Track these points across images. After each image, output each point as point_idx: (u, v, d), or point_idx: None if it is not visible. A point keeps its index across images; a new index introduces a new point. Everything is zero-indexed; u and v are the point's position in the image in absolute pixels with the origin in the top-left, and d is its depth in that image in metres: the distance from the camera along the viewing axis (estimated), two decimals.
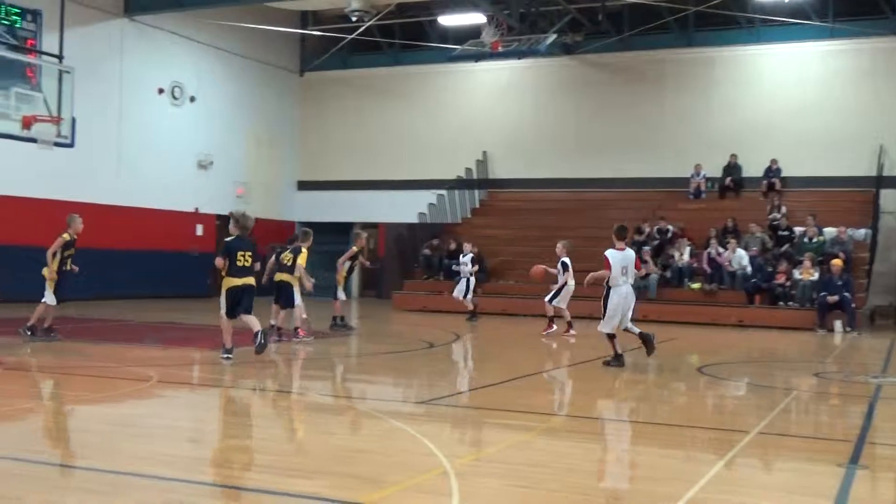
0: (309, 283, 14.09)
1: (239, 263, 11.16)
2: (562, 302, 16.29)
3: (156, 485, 5.45)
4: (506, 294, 24.16)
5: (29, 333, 13.24)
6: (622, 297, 11.88)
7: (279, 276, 14.12)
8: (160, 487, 5.40)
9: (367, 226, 31.26)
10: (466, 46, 24.41)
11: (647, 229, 24.29)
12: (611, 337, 12.02)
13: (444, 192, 28.23)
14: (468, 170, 28.83)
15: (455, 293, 20.82)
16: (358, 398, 9.58)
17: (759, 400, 10.06)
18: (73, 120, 17.12)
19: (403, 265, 27.07)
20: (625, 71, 27.98)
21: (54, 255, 13.27)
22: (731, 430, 7.90)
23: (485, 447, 7.09)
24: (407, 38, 29.82)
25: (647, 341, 12.12)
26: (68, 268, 13.41)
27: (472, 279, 20.72)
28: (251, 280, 11.39)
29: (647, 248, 23.18)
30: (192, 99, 27.00)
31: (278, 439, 7.26)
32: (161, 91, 25.96)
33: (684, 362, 14.27)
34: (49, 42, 20.08)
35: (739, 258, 22.06)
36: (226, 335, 11.35)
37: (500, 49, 23.87)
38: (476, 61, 26.15)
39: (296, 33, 30.30)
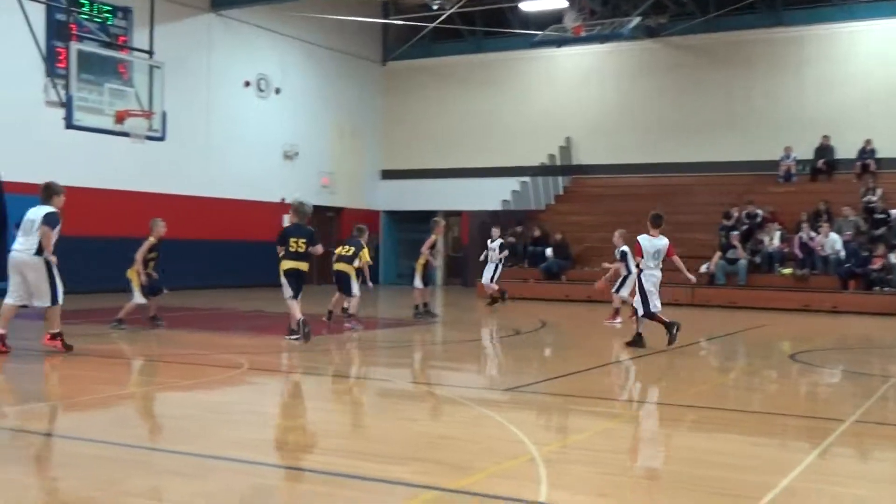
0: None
1: (292, 249, 11.93)
2: (625, 290, 15.88)
3: (245, 469, 5.55)
4: (591, 281, 23.89)
5: (121, 326, 13.60)
6: (655, 280, 12.30)
7: (338, 266, 14.38)
8: (249, 471, 5.51)
9: (450, 214, 31.45)
10: (548, 32, 24.21)
11: (736, 214, 23.79)
12: (653, 316, 12.38)
13: (527, 178, 28.12)
14: (551, 156, 28.64)
15: (483, 279, 20.67)
16: (443, 385, 9.61)
17: (855, 388, 9.78)
18: (164, 114, 17.50)
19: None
20: (711, 53, 27.43)
21: (143, 258, 13.60)
22: (825, 418, 7.71)
23: (572, 434, 7.04)
24: (488, 24, 29.72)
25: (653, 335, 12.51)
26: (149, 270, 13.71)
27: (500, 265, 20.57)
28: (301, 265, 12.07)
29: (735, 232, 22.73)
30: (278, 91, 27.39)
31: (365, 426, 7.33)
32: (247, 84, 26.40)
33: (776, 349, 13.96)
34: (139, 38, 20.57)
35: (832, 242, 21.48)
36: (294, 315, 11.95)
37: (583, 34, 23.61)
38: (558, 46, 25.95)
39: (378, 23, 30.47)
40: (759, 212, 23.69)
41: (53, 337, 10.76)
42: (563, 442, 6.61)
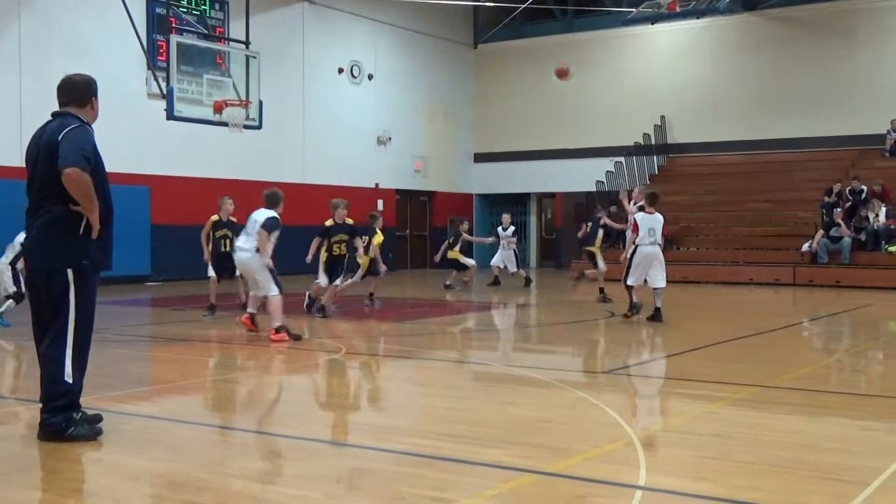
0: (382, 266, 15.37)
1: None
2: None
3: (345, 451, 5.66)
4: (688, 261, 23.59)
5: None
6: (644, 255, 13.00)
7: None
8: (349, 454, 5.61)
9: (543, 196, 31.32)
10: (642, 9, 23.85)
11: (837, 189, 23.02)
12: (629, 288, 13.17)
13: (621, 159, 27.76)
14: (646, 135, 28.21)
15: (494, 261, 20.72)
16: (540, 368, 9.59)
17: None
18: (260, 103, 17.82)
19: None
20: (811, 24, 26.58)
21: (207, 235, 14.05)
22: None
23: (671, 417, 6.97)
24: (580, 3, 29.40)
25: (655, 312, 13.15)
26: (224, 248, 13.98)
27: (516, 251, 20.83)
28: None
29: (837, 209, 22.03)
30: (370, 77, 27.62)
31: (462, 409, 7.38)
32: (340, 71, 26.68)
33: (882, 329, 13.54)
34: (236, 29, 20.97)
35: None
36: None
37: (678, 9, 23.20)
38: (652, 23, 25.53)
39: (469, 6, 30.41)
40: (864, 188, 22.91)
41: (278, 331, 10.97)
42: (662, 425, 6.55)
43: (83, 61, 19.51)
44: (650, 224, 12.98)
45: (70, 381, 5.65)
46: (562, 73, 16.54)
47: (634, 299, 13.23)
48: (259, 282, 11.11)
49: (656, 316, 13.00)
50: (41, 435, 5.66)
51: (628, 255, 13.17)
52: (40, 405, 5.72)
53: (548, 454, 5.47)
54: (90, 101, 5.90)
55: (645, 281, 13.09)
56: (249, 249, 11.01)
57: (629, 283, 13.16)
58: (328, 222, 13.83)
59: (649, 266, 13.01)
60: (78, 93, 5.85)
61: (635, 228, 12.99)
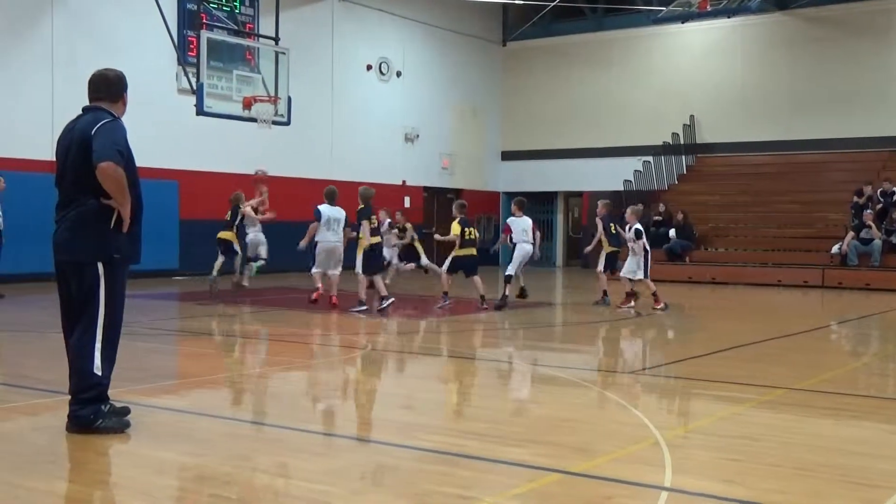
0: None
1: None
2: (641, 272, 15.26)
3: (371, 448, 5.67)
4: (716, 262, 23.45)
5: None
6: (524, 251, 15.06)
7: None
8: (374, 450, 5.63)
9: (571, 195, 31.22)
10: (672, 7, 23.71)
11: (868, 191, 22.77)
12: (508, 279, 14.94)
13: (650, 158, 27.62)
14: (675, 135, 28.05)
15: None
16: (564, 367, 9.57)
17: None
18: (289, 99, 17.90)
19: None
20: (844, 24, 26.31)
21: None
22: None
23: (696, 418, 6.93)
24: (610, 2, 29.29)
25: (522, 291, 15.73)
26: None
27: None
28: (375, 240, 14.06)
29: (868, 211, 21.79)
30: (399, 74, 27.65)
31: (487, 407, 7.38)
32: (369, 67, 26.73)
33: None
34: (265, 25, 21.08)
35: None
36: (362, 291, 14.02)
37: (709, 8, 23.03)
38: (683, 22, 25.38)
39: (498, 3, 30.37)
40: (895, 189, 22.66)
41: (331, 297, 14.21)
42: (688, 426, 6.51)
43: (114, 57, 19.62)
44: (522, 226, 15.07)
45: (99, 373, 5.70)
46: None
47: (507, 292, 14.91)
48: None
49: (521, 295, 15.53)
50: (70, 427, 5.72)
51: (512, 252, 15.21)
52: (69, 397, 5.78)
53: (572, 454, 5.46)
54: (121, 97, 5.96)
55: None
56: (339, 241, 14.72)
57: (510, 272, 15.06)
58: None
59: (525, 261, 15.24)
60: (110, 88, 5.91)
61: (507, 231, 15.22)
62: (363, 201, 13.92)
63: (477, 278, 14.83)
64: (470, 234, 14.66)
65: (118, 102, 5.93)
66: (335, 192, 14.75)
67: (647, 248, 14.98)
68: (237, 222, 16.66)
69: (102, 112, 5.79)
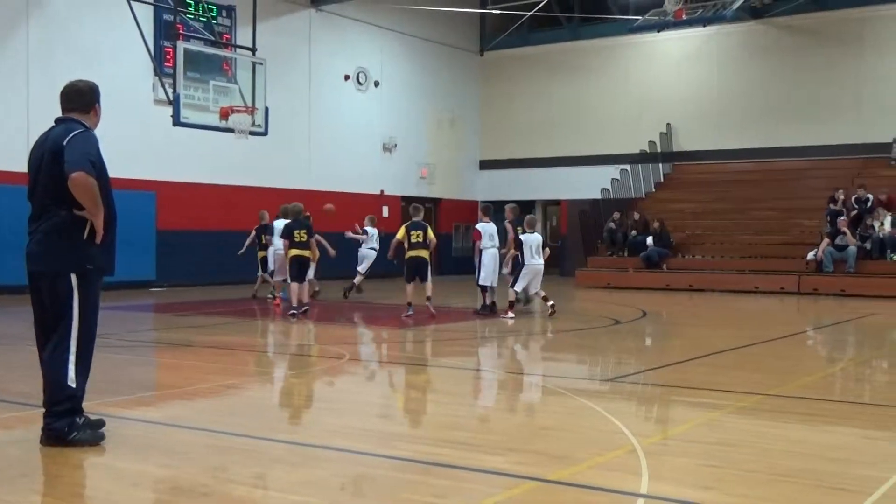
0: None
1: (296, 239, 14.63)
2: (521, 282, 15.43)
3: (348, 457, 5.65)
4: (693, 269, 23.58)
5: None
6: (492, 257, 15.24)
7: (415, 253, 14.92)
8: (353, 460, 5.61)
9: (549, 203, 31.31)
10: (648, 16, 23.88)
11: (841, 197, 22.96)
12: (484, 289, 15.28)
13: (627, 166, 27.76)
14: (652, 143, 28.21)
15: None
16: (544, 375, 9.59)
17: None
18: (266, 109, 17.87)
19: (587, 242, 26.84)
20: (818, 33, 26.57)
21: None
22: None
23: (674, 425, 6.95)
24: (586, 11, 29.45)
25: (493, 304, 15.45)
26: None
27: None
28: (304, 252, 14.65)
29: (842, 218, 21.98)
30: (377, 84, 27.67)
31: (465, 415, 7.37)
32: (347, 77, 26.74)
33: (887, 339, 13.50)
34: (242, 35, 21.04)
35: None
36: (294, 297, 14.52)
37: (684, 17, 23.20)
38: (658, 31, 25.55)
39: (475, 13, 30.48)
40: (870, 196, 22.87)
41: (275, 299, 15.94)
42: (665, 433, 6.53)
43: (91, 68, 19.56)
44: (490, 231, 15.45)
45: (73, 385, 5.66)
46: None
47: (487, 301, 15.33)
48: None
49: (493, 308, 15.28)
50: (44, 439, 5.66)
51: (478, 261, 15.35)
52: (43, 410, 5.73)
53: (550, 461, 5.47)
54: (93, 108, 5.93)
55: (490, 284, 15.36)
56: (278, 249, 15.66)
57: (487, 284, 15.34)
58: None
59: (496, 268, 15.39)
60: (82, 99, 5.89)
61: (477, 236, 15.47)
62: (293, 216, 14.99)
63: (428, 283, 14.80)
64: (417, 237, 14.65)
65: (90, 113, 5.90)
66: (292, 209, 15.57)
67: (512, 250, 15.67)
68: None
69: (74, 123, 5.77)
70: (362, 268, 18.65)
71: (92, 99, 5.93)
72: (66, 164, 5.51)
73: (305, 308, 14.76)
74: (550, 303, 14.88)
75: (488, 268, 15.25)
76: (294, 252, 14.62)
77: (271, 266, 17.30)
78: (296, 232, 14.69)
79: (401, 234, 14.78)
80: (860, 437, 6.38)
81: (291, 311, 14.42)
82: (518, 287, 14.89)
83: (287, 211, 15.43)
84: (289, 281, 14.87)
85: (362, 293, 18.66)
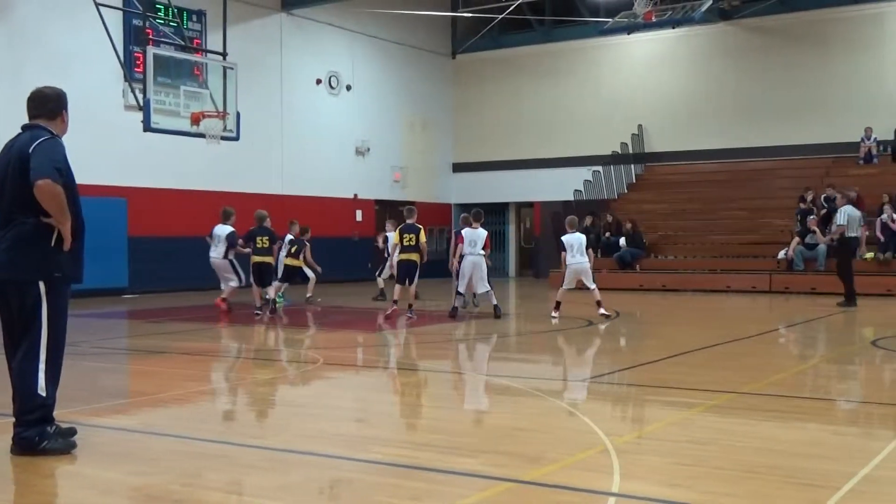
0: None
1: (258, 245, 15.27)
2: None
3: (324, 462, 5.65)
4: (665, 269, 23.72)
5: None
6: (469, 263, 15.10)
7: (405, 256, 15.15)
8: (328, 465, 5.61)
9: (522, 205, 31.40)
10: (618, 19, 23.97)
11: (810, 196, 23.19)
12: (459, 294, 15.43)
13: (599, 168, 27.90)
14: (623, 144, 28.37)
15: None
16: (517, 377, 9.63)
17: None
18: (238, 114, 17.79)
19: (560, 243, 26.86)
20: (786, 34, 26.84)
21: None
22: None
23: (646, 424, 7.01)
24: (557, 13, 29.57)
25: (495, 308, 15.35)
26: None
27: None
28: (265, 258, 15.38)
29: (812, 217, 22.21)
30: (349, 87, 27.63)
31: (439, 418, 7.39)
32: (318, 81, 26.68)
33: (857, 336, 13.66)
34: (213, 40, 20.95)
35: None
36: (256, 297, 15.40)
37: (654, 19, 23.32)
38: (629, 33, 25.66)
39: (447, 16, 30.52)
40: (838, 195, 23.07)
41: (223, 300, 15.81)
42: (637, 432, 6.59)
43: (59, 74, 19.41)
44: (473, 237, 15.19)
45: (43, 394, 5.62)
46: None
47: (456, 304, 15.40)
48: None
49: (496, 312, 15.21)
50: (14, 449, 5.62)
51: (459, 265, 15.30)
52: (13, 419, 5.69)
53: (523, 462, 5.50)
54: (60, 114, 5.90)
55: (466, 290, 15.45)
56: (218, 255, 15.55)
57: (460, 289, 15.32)
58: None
59: (472, 272, 15.15)
60: (48, 106, 5.85)
61: (460, 240, 15.32)
62: (257, 222, 15.59)
63: (412, 287, 14.99)
64: (409, 240, 14.75)
65: (57, 120, 5.87)
66: (227, 211, 16.14)
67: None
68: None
69: (41, 130, 5.73)
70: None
71: (59, 106, 5.89)
72: (32, 172, 5.47)
73: (258, 312, 15.26)
74: (601, 310, 14.87)
75: (464, 274, 15.16)
76: (256, 258, 15.34)
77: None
78: (258, 238, 15.28)
79: (395, 237, 15.22)
80: (830, 433, 6.46)
81: (256, 312, 15.17)
82: (563, 287, 15.02)
83: (227, 214, 15.98)
84: (252, 284, 15.57)
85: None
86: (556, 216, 27.33)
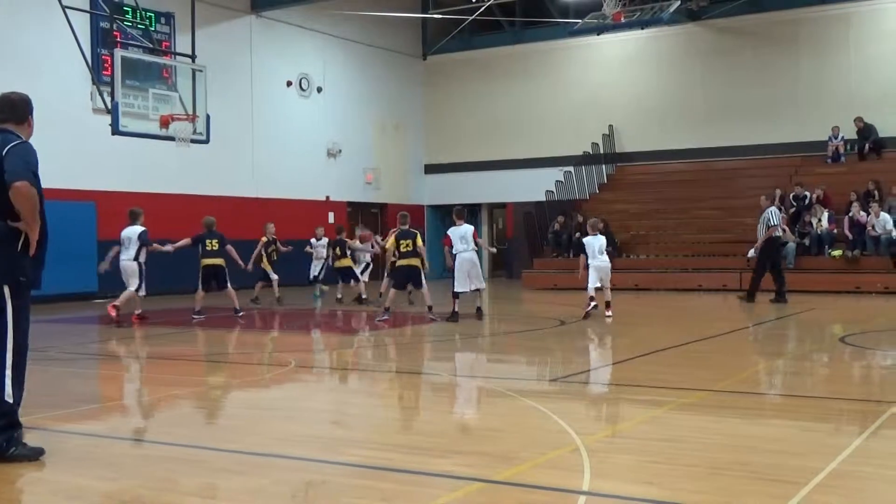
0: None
1: (209, 248, 15.57)
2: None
3: (296, 465, 5.64)
4: (637, 269, 23.84)
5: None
6: (464, 260, 14.77)
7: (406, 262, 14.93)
8: (300, 467, 5.59)
9: (494, 206, 31.46)
10: (588, 20, 24.09)
11: (779, 193, 23.41)
12: (456, 295, 14.75)
13: (570, 168, 28.00)
14: (595, 145, 28.49)
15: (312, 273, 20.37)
16: (490, 377, 9.65)
17: None
18: (208, 116, 17.69)
19: (532, 244, 27.02)
20: (754, 34, 27.07)
21: (259, 254, 18.91)
22: (876, 401, 7.60)
23: (617, 423, 7.04)
24: (527, 15, 29.66)
25: (478, 310, 15.25)
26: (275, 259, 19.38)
27: (325, 264, 20.17)
28: (215, 261, 15.64)
29: (782, 215, 22.36)
30: (319, 90, 27.57)
31: (412, 419, 7.39)
32: (289, 84, 26.60)
33: (826, 333, 13.80)
34: (182, 42, 20.82)
35: (884, 222, 21.10)
36: (197, 303, 15.56)
37: (623, 20, 23.45)
38: (598, 34, 25.79)
39: (417, 18, 30.53)
40: (807, 194, 23.35)
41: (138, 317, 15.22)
42: (608, 431, 6.62)
43: (27, 76, 19.24)
44: (461, 234, 14.82)
45: (10, 400, 5.57)
46: None
47: (456, 308, 14.70)
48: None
49: (478, 314, 15.06)
50: None
51: (454, 265, 14.93)
52: None
53: (495, 462, 5.51)
54: (27, 119, 5.90)
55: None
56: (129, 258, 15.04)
57: (456, 290, 14.77)
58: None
59: (469, 269, 14.75)
60: (15, 111, 5.85)
61: (448, 241, 14.94)
62: (206, 227, 15.80)
63: (424, 290, 14.93)
64: (406, 245, 14.74)
65: (24, 125, 5.86)
66: (135, 212, 15.65)
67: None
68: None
69: (10, 134, 5.72)
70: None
71: (25, 111, 5.89)
72: (9, 174, 5.47)
73: (240, 312, 15.45)
74: (607, 299, 15.15)
75: (460, 272, 14.78)
76: (207, 261, 15.58)
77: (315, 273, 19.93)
78: (207, 241, 15.55)
79: (390, 243, 15.13)
80: (798, 430, 6.52)
81: (194, 317, 15.33)
82: (590, 286, 15.02)
83: (136, 214, 15.54)
84: (199, 288, 15.75)
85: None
86: (528, 216, 27.46)
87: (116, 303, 14.94)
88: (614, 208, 26.68)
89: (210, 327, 14.60)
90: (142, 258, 15.19)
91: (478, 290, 15.04)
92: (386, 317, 14.64)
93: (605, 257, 15.20)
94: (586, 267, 15.25)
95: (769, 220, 17.81)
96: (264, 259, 19.32)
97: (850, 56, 25.82)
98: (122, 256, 15.29)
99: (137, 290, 15.15)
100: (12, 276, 5.62)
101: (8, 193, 5.49)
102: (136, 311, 15.30)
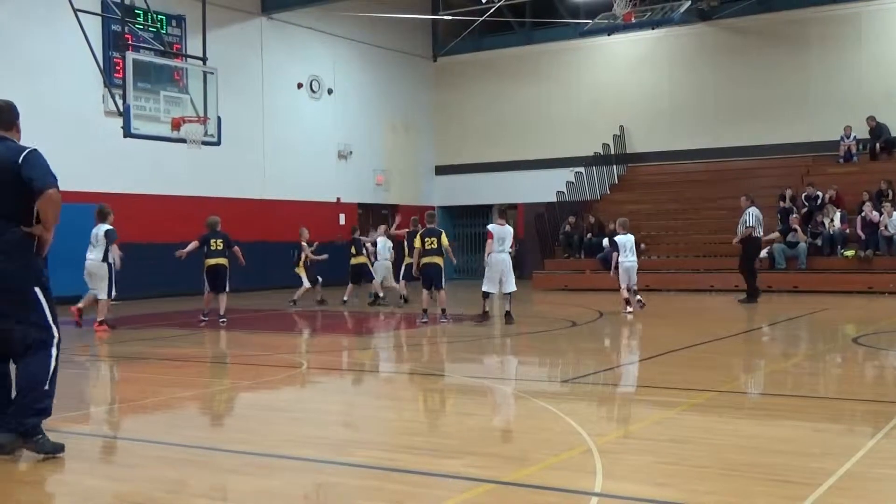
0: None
1: (212, 248, 15.22)
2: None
3: (307, 466, 5.65)
4: (649, 269, 23.74)
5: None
6: (496, 262, 14.45)
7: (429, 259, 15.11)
8: (311, 468, 5.60)
9: (505, 207, 31.38)
10: (598, 20, 24.02)
11: (790, 193, 23.33)
12: (485, 295, 14.66)
13: (581, 169, 27.96)
14: (605, 145, 28.44)
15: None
16: (501, 378, 9.64)
17: None
18: (219, 119, 17.72)
19: (543, 245, 26.98)
20: (765, 34, 26.98)
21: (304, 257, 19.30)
22: (890, 402, 7.57)
23: (629, 424, 7.02)
24: (537, 16, 29.62)
25: (506, 314, 14.70)
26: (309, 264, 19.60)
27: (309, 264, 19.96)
28: (219, 260, 15.27)
29: (794, 215, 22.34)
30: (330, 91, 27.60)
31: (423, 420, 7.39)
32: (300, 86, 26.63)
33: (839, 333, 13.73)
34: (193, 45, 20.84)
35: None
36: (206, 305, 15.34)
37: (633, 20, 23.37)
38: (609, 34, 25.72)
39: (428, 19, 30.52)
40: (819, 194, 23.26)
41: (101, 323, 14.25)
42: (620, 432, 6.60)
43: (38, 79, 19.34)
44: (501, 234, 14.53)
45: (48, 388, 5.76)
46: None
47: (486, 308, 14.71)
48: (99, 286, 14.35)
49: (508, 318, 14.52)
50: (14, 440, 5.68)
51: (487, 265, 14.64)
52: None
53: (505, 463, 5.50)
54: (14, 125, 6.00)
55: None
56: (95, 259, 14.21)
57: (484, 289, 14.64)
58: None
59: (500, 272, 14.49)
60: (4, 117, 5.93)
61: (490, 237, 14.53)
62: (208, 227, 15.50)
63: (441, 292, 14.96)
64: (431, 243, 14.88)
65: (13, 130, 5.96)
66: (103, 210, 14.98)
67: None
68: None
69: (10, 141, 5.83)
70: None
71: (11, 116, 6.00)
72: (39, 181, 5.61)
73: (223, 319, 14.99)
74: (638, 297, 15.96)
75: (493, 273, 14.55)
76: (211, 261, 15.31)
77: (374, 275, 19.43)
78: (212, 241, 15.28)
79: (417, 242, 15.18)
80: (810, 431, 6.49)
81: (201, 319, 15.11)
82: (622, 284, 15.66)
83: (104, 213, 14.89)
84: (206, 290, 15.46)
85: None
86: (539, 218, 27.41)
87: (81, 305, 14.55)
88: (625, 209, 26.56)
89: (229, 329, 14.62)
90: (110, 259, 14.38)
91: (509, 294, 14.79)
92: (425, 319, 14.71)
93: (634, 256, 15.62)
94: (616, 267, 15.64)
95: (746, 220, 18.01)
96: (300, 264, 19.58)
97: (861, 55, 25.70)
98: (89, 256, 14.40)
99: (109, 296, 14.40)
100: (40, 279, 5.82)
101: (23, 199, 5.60)
102: (99, 318, 14.37)
